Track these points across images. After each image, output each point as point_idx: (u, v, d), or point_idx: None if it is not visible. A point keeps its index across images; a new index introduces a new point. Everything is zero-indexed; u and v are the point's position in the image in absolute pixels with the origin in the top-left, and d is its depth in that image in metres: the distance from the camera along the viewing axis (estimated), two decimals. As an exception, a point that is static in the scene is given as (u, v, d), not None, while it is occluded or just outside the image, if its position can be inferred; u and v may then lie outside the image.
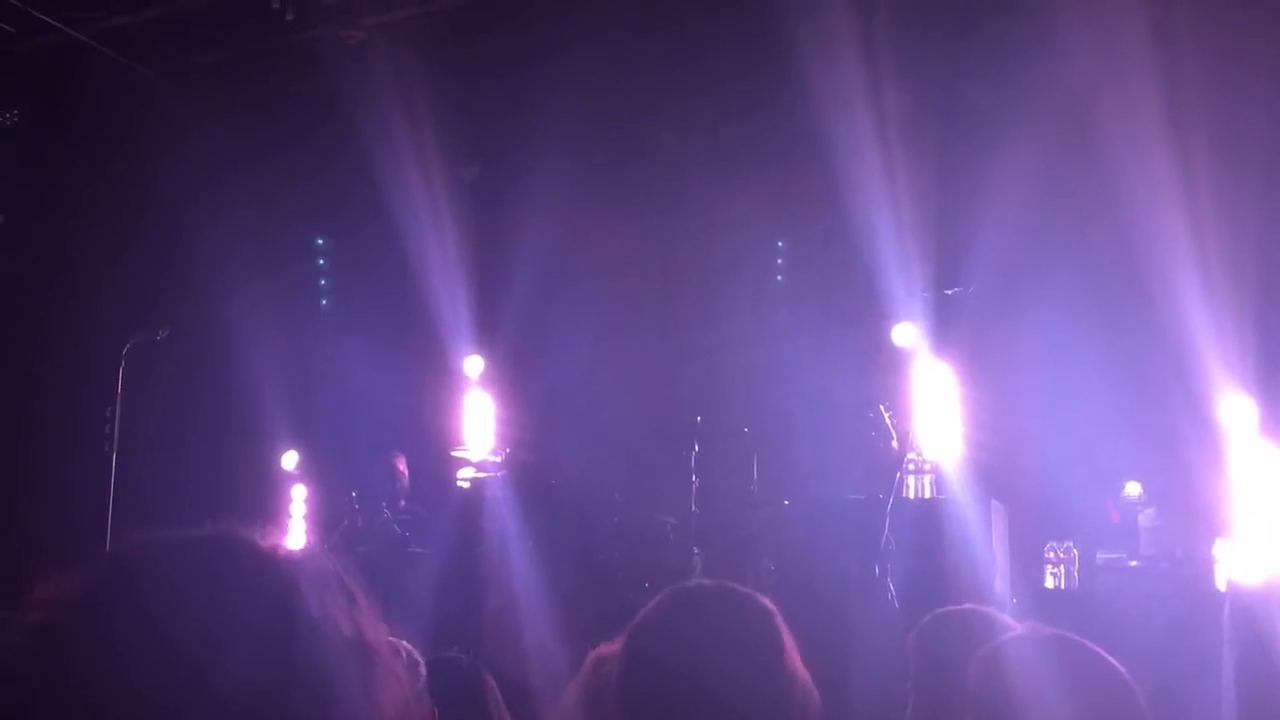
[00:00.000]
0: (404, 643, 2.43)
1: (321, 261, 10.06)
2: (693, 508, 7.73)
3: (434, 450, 8.79)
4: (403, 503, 8.52)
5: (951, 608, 2.88)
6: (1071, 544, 6.99)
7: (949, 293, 6.80)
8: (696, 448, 7.89)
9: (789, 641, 1.98)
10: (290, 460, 9.42)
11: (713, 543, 7.72)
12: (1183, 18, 7.02)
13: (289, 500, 9.33)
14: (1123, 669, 2.29)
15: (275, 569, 1.24)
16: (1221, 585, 6.11)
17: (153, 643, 1.14)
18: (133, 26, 9.33)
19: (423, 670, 2.59)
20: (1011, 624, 2.88)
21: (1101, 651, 2.34)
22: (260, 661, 1.15)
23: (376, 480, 8.39)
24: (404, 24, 9.25)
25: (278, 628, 1.18)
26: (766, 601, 2.02)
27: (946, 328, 7.08)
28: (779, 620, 1.99)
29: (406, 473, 8.56)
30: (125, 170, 9.37)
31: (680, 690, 1.91)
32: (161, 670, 1.12)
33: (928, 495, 6.72)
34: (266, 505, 8.87)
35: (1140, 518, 7.15)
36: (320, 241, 10.11)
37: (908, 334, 7.15)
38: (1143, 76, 7.01)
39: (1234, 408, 6.62)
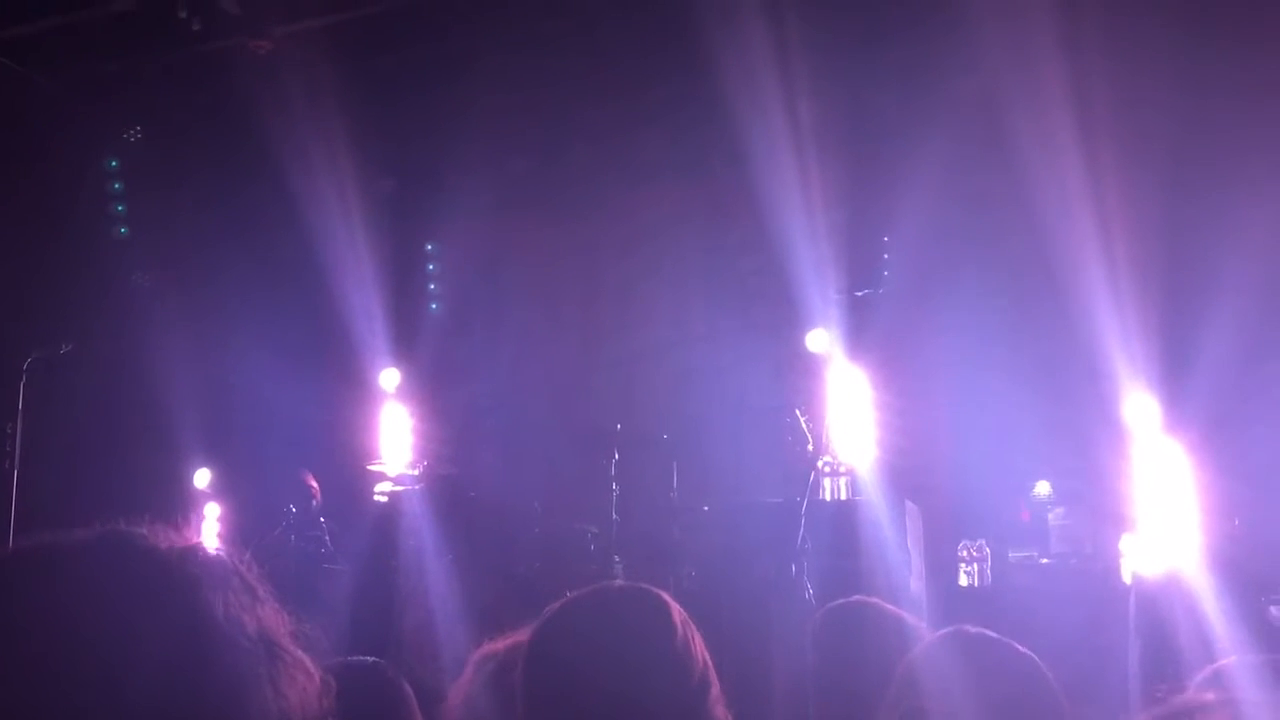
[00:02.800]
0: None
1: (233, 274, 9.89)
2: (614, 516, 7.71)
3: (350, 465, 8.68)
4: (322, 520, 8.41)
5: (841, 600, 2.92)
6: (984, 543, 7.10)
7: (859, 294, 6.89)
8: (616, 456, 7.89)
9: (687, 630, 2.02)
10: (203, 478, 9.23)
11: (634, 550, 7.72)
12: (1090, 27, 7.20)
13: (202, 519, 9.13)
14: (1039, 662, 2.34)
15: (172, 567, 1.20)
16: (1128, 579, 6.25)
17: (40, 649, 1.10)
18: (32, 36, 9.11)
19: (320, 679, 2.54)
20: (900, 613, 2.93)
21: (1018, 646, 2.39)
22: (164, 661, 1.11)
23: (286, 498, 8.27)
24: (315, 34, 9.15)
25: (179, 626, 1.15)
26: (664, 595, 2.07)
27: (860, 332, 7.17)
28: (674, 610, 2.04)
29: (317, 488, 8.44)
30: (27, 183, 9.14)
31: (580, 682, 1.95)
32: (54, 677, 1.08)
33: (843, 497, 6.78)
34: (178, 524, 8.66)
35: (1050, 516, 7.29)
36: (232, 254, 9.94)
37: (822, 339, 7.22)
38: (1052, 84, 7.18)
39: (1139, 407, 6.77)
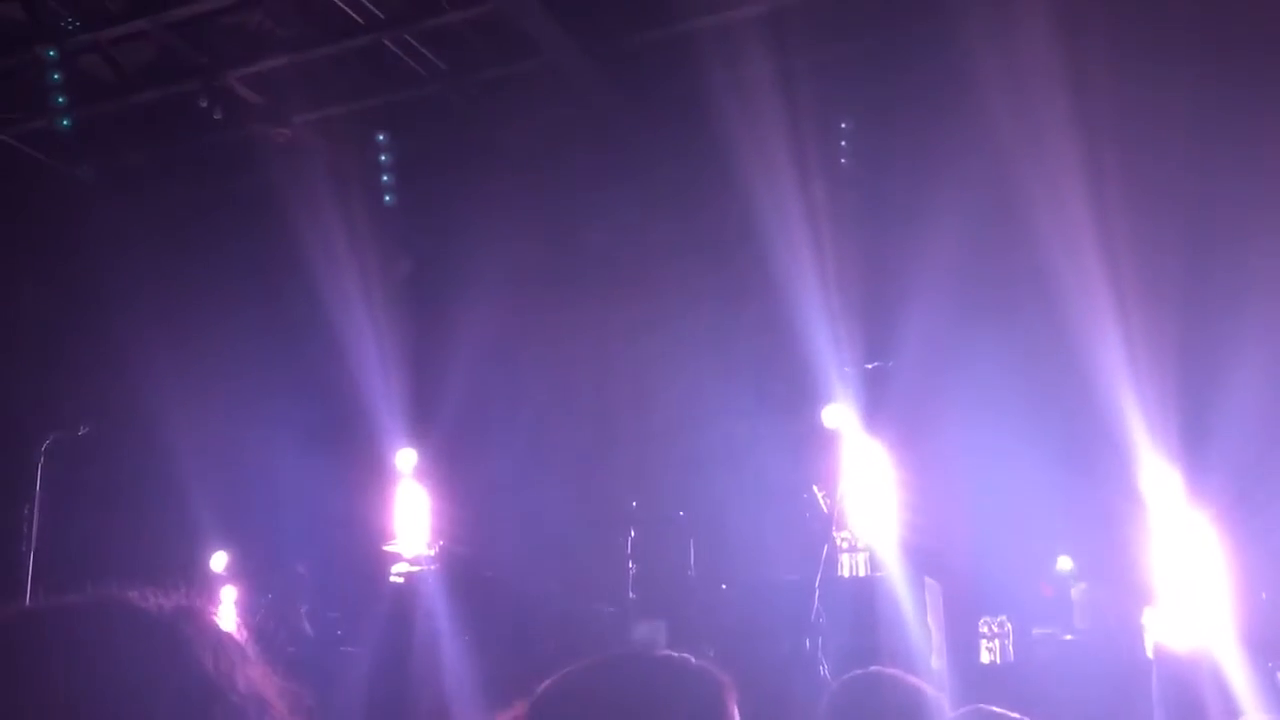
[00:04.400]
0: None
1: (252, 355, 9.97)
2: (630, 595, 7.64)
3: (367, 545, 8.65)
4: (303, 610, 8.42)
5: (858, 671, 2.86)
6: (1005, 619, 6.99)
7: (869, 367, 6.88)
8: (633, 534, 7.84)
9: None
10: (219, 561, 9.21)
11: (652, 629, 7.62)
12: (1100, 102, 7.27)
13: (219, 603, 9.09)
14: None
15: (164, 627, 1.23)
16: (1151, 654, 6.13)
17: (39, 708, 1.11)
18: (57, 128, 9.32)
19: None
20: (920, 684, 2.87)
21: None
22: (159, 717, 1.13)
23: (284, 590, 8.29)
24: (334, 121, 9.35)
25: (173, 683, 1.17)
26: (721, 675, 1.91)
27: (876, 406, 7.15)
28: (731, 696, 1.89)
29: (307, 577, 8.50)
30: (52, 269, 9.29)
31: None
32: None
33: (862, 573, 6.71)
34: (173, 587, 8.63)
35: (1073, 591, 7.18)
36: (251, 335, 10.04)
37: (838, 415, 7.20)
38: (1064, 155, 7.24)
39: (1160, 480, 6.71)
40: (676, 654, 2.03)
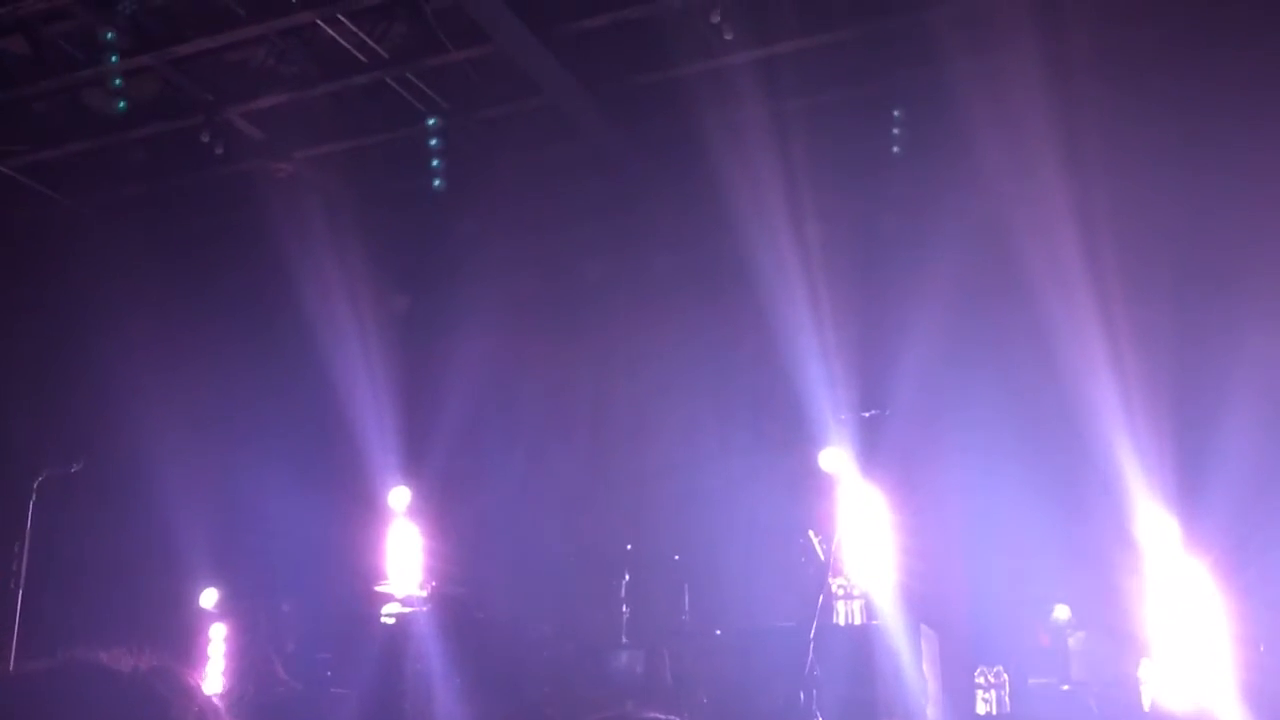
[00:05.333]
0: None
1: (245, 392, 9.95)
2: (623, 639, 7.58)
3: (358, 586, 8.58)
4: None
5: None
6: (1002, 669, 6.93)
7: (865, 415, 6.85)
8: (627, 577, 7.78)
9: None
10: (209, 598, 9.13)
11: (646, 673, 7.56)
12: (1092, 145, 7.29)
13: (207, 640, 9.01)
14: None
15: (135, 690, 1.23)
16: (1147, 706, 6.07)
17: None
18: (60, 160, 9.35)
19: None
20: None
21: None
22: None
23: (268, 628, 8.23)
24: (334, 157, 9.37)
25: None
26: None
27: (873, 451, 7.11)
28: None
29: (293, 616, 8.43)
30: (46, 302, 9.27)
31: None
32: None
33: (857, 621, 6.65)
34: (183, 645, 8.56)
35: (1071, 641, 7.12)
36: (246, 372, 10.01)
37: (835, 458, 7.17)
38: (1056, 201, 7.26)
39: (1157, 527, 6.67)
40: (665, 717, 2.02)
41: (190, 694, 1.28)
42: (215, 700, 1.33)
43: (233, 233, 9.80)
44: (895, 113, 8.28)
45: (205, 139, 8.67)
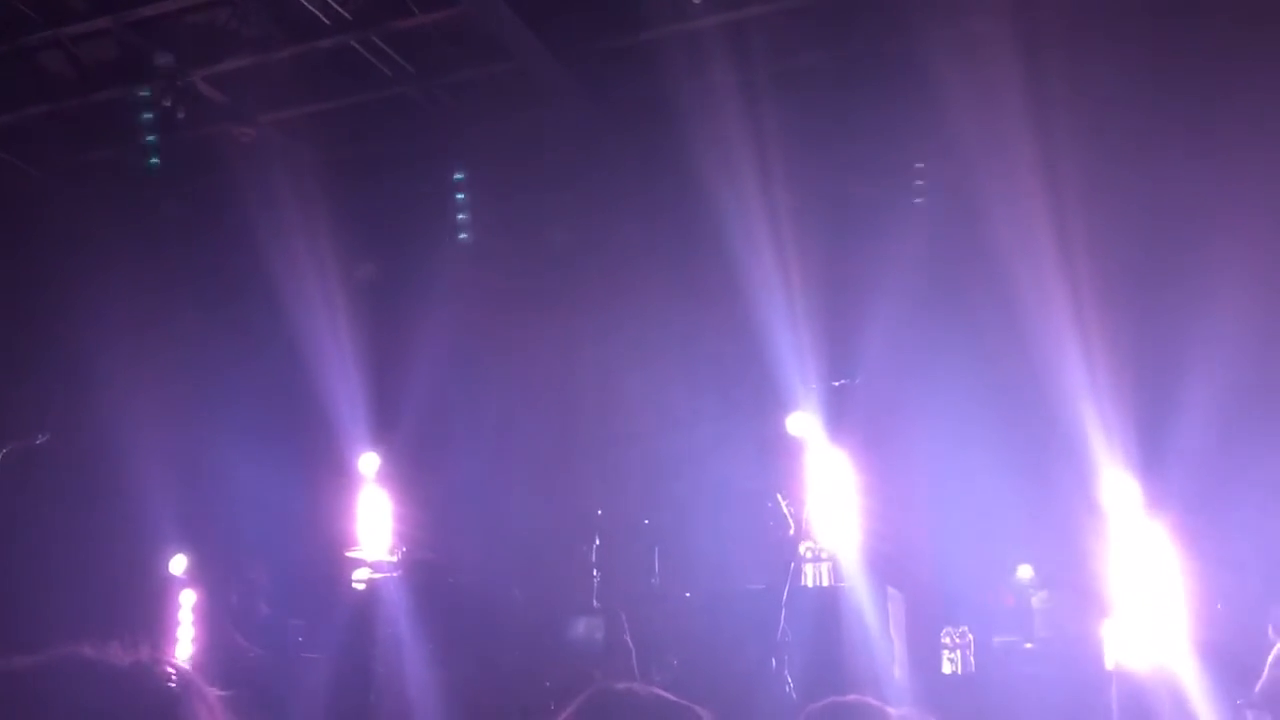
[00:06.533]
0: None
1: (213, 359, 9.88)
2: (594, 602, 7.64)
3: (328, 551, 8.59)
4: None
5: (836, 699, 2.80)
6: (967, 629, 7.05)
7: (836, 384, 6.91)
8: (597, 541, 7.84)
9: None
10: (179, 565, 9.11)
11: (616, 637, 7.63)
12: (1062, 115, 7.34)
13: (177, 606, 9.00)
14: None
15: (125, 683, 1.22)
16: (1110, 665, 6.20)
17: None
18: (18, 124, 9.19)
19: None
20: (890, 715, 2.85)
21: None
22: None
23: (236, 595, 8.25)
24: (298, 121, 9.26)
25: None
26: (704, 714, 1.93)
27: (841, 417, 7.18)
28: None
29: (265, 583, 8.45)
30: (7, 270, 9.14)
31: None
32: None
33: (825, 583, 6.74)
34: (153, 612, 8.55)
35: (1034, 600, 7.25)
36: (212, 339, 9.94)
37: (802, 423, 7.22)
38: (1025, 169, 7.30)
39: (1120, 489, 6.79)
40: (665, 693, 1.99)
41: (181, 686, 1.27)
42: (212, 691, 1.33)
43: (197, 198, 9.69)
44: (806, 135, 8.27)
45: (167, 103, 8.53)
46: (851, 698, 2.88)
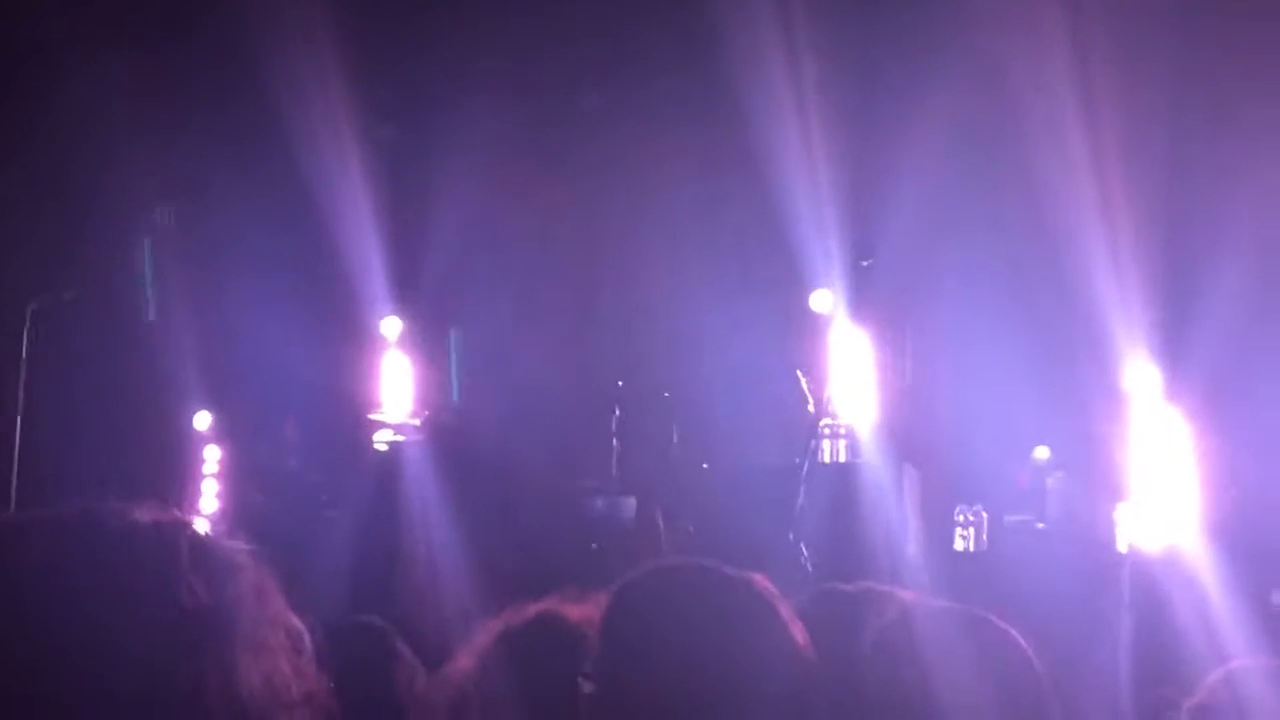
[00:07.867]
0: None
1: (233, 221, 9.84)
2: (613, 472, 7.75)
3: (351, 413, 8.69)
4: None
5: (828, 586, 2.68)
6: (981, 507, 7.14)
7: (864, 264, 6.87)
8: (617, 412, 7.91)
9: (797, 631, 1.84)
10: (203, 420, 9.23)
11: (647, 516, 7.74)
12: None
13: (202, 461, 9.15)
14: (1020, 639, 2.23)
15: (146, 545, 1.19)
16: (1123, 548, 6.30)
17: (14, 630, 1.10)
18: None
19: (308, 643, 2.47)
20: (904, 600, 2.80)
21: (996, 621, 2.27)
22: (142, 640, 1.12)
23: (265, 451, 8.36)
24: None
25: (155, 605, 1.14)
26: (763, 583, 1.88)
27: (863, 295, 7.16)
28: (781, 607, 1.87)
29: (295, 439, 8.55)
30: (18, 118, 9.03)
31: (676, 679, 1.75)
32: (31, 658, 1.09)
33: (842, 459, 6.82)
34: (179, 467, 8.70)
35: (1049, 481, 7.33)
36: (232, 200, 9.88)
37: (825, 300, 7.21)
38: (1056, 46, 7.13)
39: (1139, 374, 6.80)
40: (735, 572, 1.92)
41: (207, 551, 1.22)
42: (229, 550, 1.28)
43: (212, 48, 9.49)
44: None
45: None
46: (856, 585, 2.67)
